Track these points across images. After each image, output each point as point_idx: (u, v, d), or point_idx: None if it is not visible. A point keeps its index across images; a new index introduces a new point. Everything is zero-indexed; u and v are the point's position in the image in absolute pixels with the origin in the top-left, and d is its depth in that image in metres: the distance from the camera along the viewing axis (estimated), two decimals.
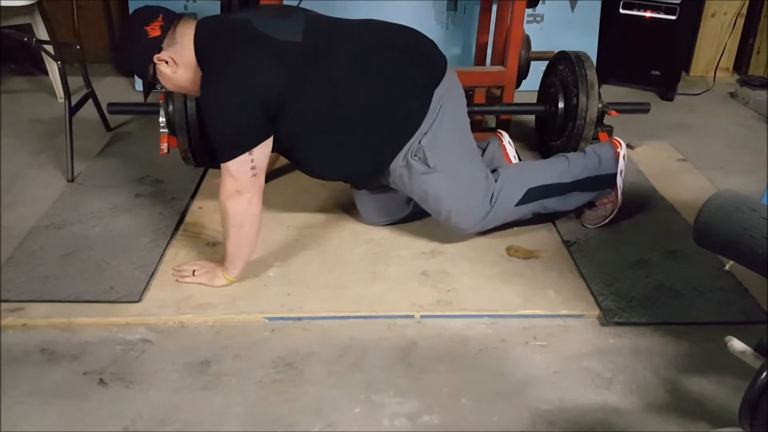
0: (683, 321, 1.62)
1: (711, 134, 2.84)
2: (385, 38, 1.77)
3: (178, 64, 1.62)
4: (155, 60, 1.60)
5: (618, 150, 1.93)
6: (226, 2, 2.53)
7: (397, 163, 1.79)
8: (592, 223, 1.99)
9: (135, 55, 1.65)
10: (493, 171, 1.91)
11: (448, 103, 1.77)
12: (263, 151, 1.61)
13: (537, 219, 1.96)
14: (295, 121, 1.65)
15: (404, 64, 1.74)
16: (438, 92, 1.75)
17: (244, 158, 1.57)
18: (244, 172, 1.58)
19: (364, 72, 1.70)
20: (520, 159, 2.09)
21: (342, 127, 1.71)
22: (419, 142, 1.76)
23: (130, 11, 3.22)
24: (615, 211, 1.96)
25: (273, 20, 1.66)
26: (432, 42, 1.85)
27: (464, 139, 1.85)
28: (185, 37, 1.60)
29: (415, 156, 1.77)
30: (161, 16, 1.60)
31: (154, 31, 1.59)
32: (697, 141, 2.73)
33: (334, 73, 1.67)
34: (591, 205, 1.99)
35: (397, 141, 1.76)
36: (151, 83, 1.69)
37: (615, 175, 1.92)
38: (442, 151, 1.77)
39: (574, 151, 2.18)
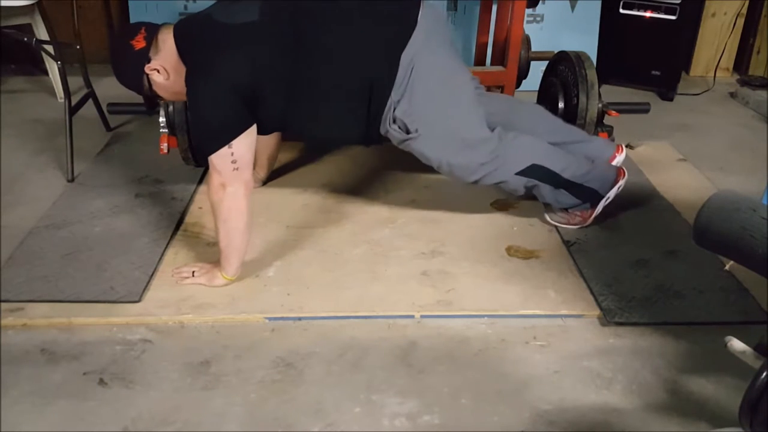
0: (683, 321, 1.62)
1: (711, 134, 2.84)
2: (346, 3, 1.74)
3: (168, 70, 1.65)
4: (147, 70, 1.64)
5: (619, 179, 1.93)
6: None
7: (385, 127, 1.79)
8: (556, 221, 2.01)
9: (126, 70, 1.69)
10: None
11: (422, 60, 1.72)
12: (245, 144, 1.62)
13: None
14: (274, 96, 1.67)
15: (366, 32, 1.72)
16: (407, 54, 1.71)
17: (224, 152, 1.59)
18: (226, 165, 1.60)
19: (324, 45, 1.69)
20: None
21: (317, 97, 1.73)
22: (393, 111, 1.75)
23: (130, 11, 3.23)
24: (578, 227, 1.98)
25: (230, 7, 1.69)
26: None
27: (448, 92, 1.79)
28: (167, 43, 1.65)
29: (394, 124, 1.78)
30: (143, 28, 1.66)
31: (138, 43, 1.64)
32: (697, 141, 2.73)
33: (294, 47, 1.67)
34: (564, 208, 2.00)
35: (367, 112, 1.76)
36: (150, 96, 1.73)
37: (602, 197, 1.93)
38: (421, 116, 1.76)
39: None
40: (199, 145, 1.65)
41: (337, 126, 1.82)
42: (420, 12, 1.75)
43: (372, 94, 1.73)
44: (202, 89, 1.61)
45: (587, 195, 1.93)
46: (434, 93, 1.76)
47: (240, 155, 1.60)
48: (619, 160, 2.01)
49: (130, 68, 1.66)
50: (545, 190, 1.93)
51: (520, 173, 1.87)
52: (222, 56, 1.62)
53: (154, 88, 1.68)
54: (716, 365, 1.47)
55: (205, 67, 1.61)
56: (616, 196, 1.94)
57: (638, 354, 1.53)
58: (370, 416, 1.35)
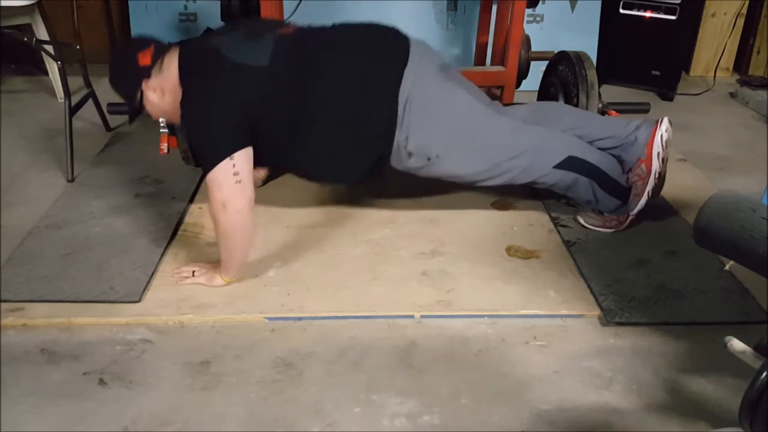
0: (683, 321, 1.62)
1: (711, 134, 2.84)
2: (346, 51, 1.77)
3: (165, 91, 1.68)
4: (144, 87, 1.67)
5: (639, 200, 1.90)
6: (226, 2, 2.54)
7: (401, 164, 1.82)
8: (590, 223, 1.98)
9: (124, 80, 1.72)
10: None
11: (416, 93, 1.74)
12: (245, 156, 1.61)
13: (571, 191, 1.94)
14: (273, 137, 1.68)
15: (364, 77, 1.74)
16: (402, 91, 1.73)
17: (225, 164, 1.57)
18: (228, 178, 1.57)
19: (324, 92, 1.71)
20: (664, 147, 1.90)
21: (319, 141, 1.75)
22: (405, 148, 1.77)
23: (130, 11, 3.23)
24: (613, 230, 1.97)
25: (242, 44, 1.71)
26: (390, 33, 1.83)
27: (449, 110, 1.80)
28: (171, 66, 1.68)
29: (411, 158, 1.79)
30: (153, 46, 1.69)
31: (145, 59, 1.67)
32: (697, 141, 2.73)
33: (299, 94, 1.70)
34: (599, 211, 1.98)
35: (375, 153, 1.79)
36: (137, 109, 1.75)
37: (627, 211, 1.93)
38: (435, 141, 1.78)
39: None
40: (202, 164, 1.63)
41: (340, 167, 1.83)
42: (410, 49, 1.79)
43: (375, 136, 1.76)
44: (206, 104, 1.63)
45: (625, 193, 1.91)
46: (438, 117, 1.78)
47: (241, 167, 1.59)
48: (659, 136, 1.87)
49: (129, 80, 1.70)
50: (584, 187, 1.89)
51: (558, 166, 1.85)
52: (229, 85, 1.64)
53: (145, 103, 1.71)
54: (716, 365, 1.47)
55: (209, 88, 1.63)
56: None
57: (638, 354, 1.53)
58: (370, 416, 1.35)
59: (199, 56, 1.70)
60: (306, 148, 1.76)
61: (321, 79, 1.71)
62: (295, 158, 1.80)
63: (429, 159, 1.80)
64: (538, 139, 1.85)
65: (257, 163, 1.66)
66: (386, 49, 1.80)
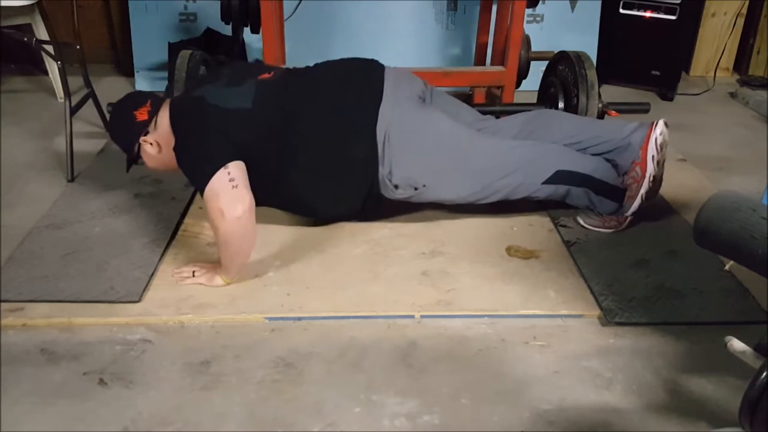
0: (683, 321, 1.62)
1: (711, 134, 2.84)
2: (324, 92, 1.80)
3: (161, 145, 1.75)
4: (141, 141, 1.76)
5: (633, 202, 1.90)
6: (226, 2, 2.54)
7: (389, 195, 1.84)
8: (590, 224, 1.98)
9: (123, 135, 1.81)
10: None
11: (395, 128, 1.76)
12: (240, 168, 1.63)
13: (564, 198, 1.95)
14: (261, 177, 1.69)
15: (343, 116, 1.77)
16: (380, 128, 1.75)
17: (220, 174, 1.59)
18: (224, 186, 1.58)
19: (308, 132, 1.75)
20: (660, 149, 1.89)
21: (306, 181, 1.79)
22: (391, 182, 1.79)
23: (130, 11, 3.23)
24: (613, 231, 1.97)
25: (225, 91, 1.78)
26: (366, 68, 1.87)
27: (431, 139, 1.80)
28: (164, 121, 1.75)
29: (398, 189, 1.82)
30: (149, 101, 1.78)
31: (142, 115, 1.76)
32: (697, 141, 2.73)
33: (283, 135, 1.74)
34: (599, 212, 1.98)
35: (362, 190, 1.82)
36: (134, 160, 1.83)
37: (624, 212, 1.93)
38: (420, 171, 1.80)
39: None
40: (194, 178, 1.68)
41: (334, 204, 1.87)
42: (384, 83, 1.81)
43: (359, 173, 1.79)
44: (194, 139, 1.68)
45: (621, 196, 1.91)
46: (418, 148, 1.79)
47: (237, 174, 1.60)
48: (654, 140, 1.87)
49: (128, 134, 1.78)
50: (578, 196, 1.91)
51: (548, 181, 1.87)
52: (214, 129, 1.69)
53: (143, 155, 1.79)
54: (716, 365, 1.47)
55: (197, 131, 1.70)
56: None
57: (638, 354, 1.53)
58: (370, 416, 1.35)
59: (186, 107, 1.78)
60: (294, 188, 1.79)
61: (301, 121, 1.75)
62: (285, 198, 1.84)
63: (416, 189, 1.82)
64: (525, 157, 1.86)
65: (257, 202, 1.67)
66: (361, 87, 1.82)
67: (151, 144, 1.76)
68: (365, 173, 1.79)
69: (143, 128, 1.75)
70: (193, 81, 2.11)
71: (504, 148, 1.88)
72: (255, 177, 1.66)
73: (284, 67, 1.94)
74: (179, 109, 1.76)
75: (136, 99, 1.82)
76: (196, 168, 1.65)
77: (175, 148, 1.70)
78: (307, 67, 1.91)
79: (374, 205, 1.90)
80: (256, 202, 1.63)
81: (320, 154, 1.77)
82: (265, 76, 1.83)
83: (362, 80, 1.83)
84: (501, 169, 1.84)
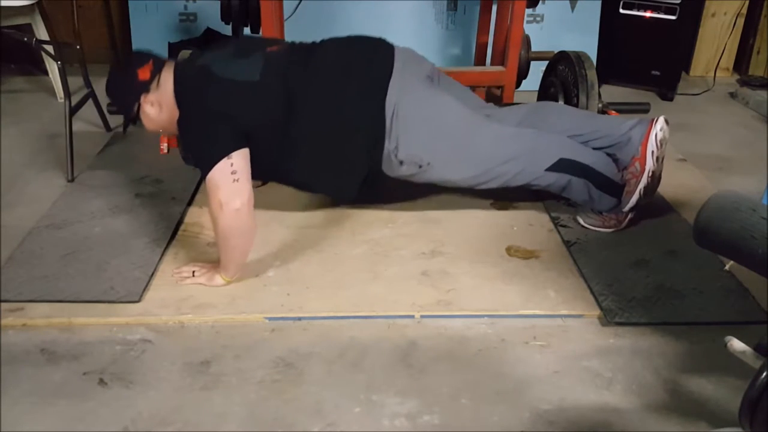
0: (683, 321, 1.62)
1: (711, 134, 2.84)
2: (333, 65, 1.79)
3: (162, 106, 1.73)
4: (141, 101, 1.73)
5: (631, 197, 1.90)
6: (226, 2, 2.54)
7: (393, 172, 1.83)
8: (589, 223, 1.98)
9: (123, 94, 1.78)
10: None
11: (403, 102, 1.76)
12: (243, 155, 1.63)
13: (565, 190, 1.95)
14: (266, 151, 1.70)
15: (350, 89, 1.76)
16: (389, 102, 1.75)
17: (223, 164, 1.59)
18: (225, 178, 1.59)
19: (312, 105, 1.74)
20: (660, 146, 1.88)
21: (310, 154, 1.78)
22: (396, 157, 1.79)
23: (130, 11, 3.23)
24: (613, 230, 1.97)
25: (232, 61, 1.76)
26: (375, 45, 1.86)
27: (438, 117, 1.81)
28: (167, 82, 1.73)
29: (402, 165, 1.81)
30: (151, 61, 1.74)
31: (144, 74, 1.72)
32: (697, 141, 2.73)
33: (289, 109, 1.73)
34: (598, 210, 1.98)
35: (366, 164, 1.81)
36: (132, 121, 1.79)
37: (621, 209, 1.93)
38: (425, 148, 1.80)
39: None
40: (198, 165, 1.68)
41: (335, 178, 1.85)
42: (395, 59, 1.81)
43: (364, 147, 1.79)
44: (202, 116, 1.67)
45: (620, 192, 1.91)
46: (425, 125, 1.79)
47: (239, 166, 1.61)
48: (654, 135, 1.86)
49: (127, 94, 1.75)
50: (579, 188, 1.90)
51: (551, 168, 1.86)
52: (221, 101, 1.68)
53: (142, 116, 1.76)
54: (716, 365, 1.47)
55: (202, 106, 1.68)
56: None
57: (638, 354, 1.53)
58: (370, 416, 1.35)
59: (191, 75, 1.75)
60: (298, 161, 1.79)
61: (309, 94, 1.74)
62: (288, 171, 1.83)
63: (420, 166, 1.82)
64: (529, 143, 1.87)
65: (253, 175, 1.67)
66: (371, 61, 1.82)
67: (151, 104, 1.73)
68: (370, 147, 1.78)
69: (145, 87, 1.72)
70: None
71: (509, 133, 1.88)
72: (256, 150, 1.66)
73: (289, 41, 1.91)
74: (185, 77, 1.74)
75: (139, 57, 1.78)
76: (200, 152, 1.66)
77: (179, 122, 1.70)
78: (314, 42, 1.88)
79: (374, 186, 1.89)
80: (256, 175, 1.65)
81: (326, 129, 1.75)
82: (273, 48, 1.81)
83: (372, 55, 1.83)
84: (505, 154, 1.84)
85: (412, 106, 1.77)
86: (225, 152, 1.60)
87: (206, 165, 1.61)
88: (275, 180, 1.90)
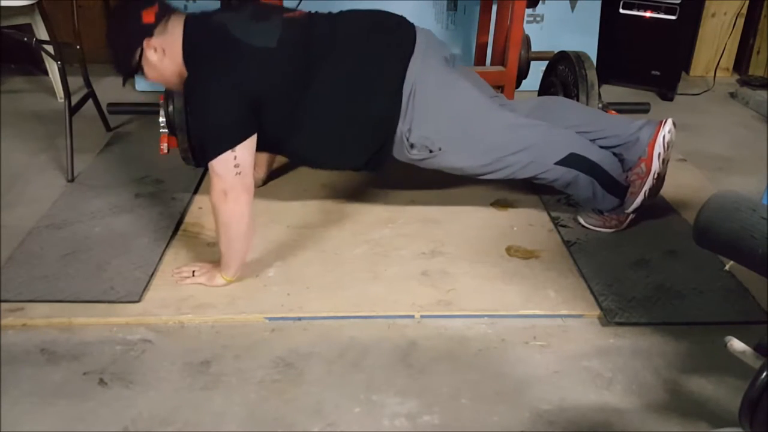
0: (683, 321, 1.62)
1: (711, 134, 2.84)
2: (353, 38, 1.75)
3: (165, 53, 1.64)
4: (144, 45, 1.61)
5: (635, 198, 1.90)
6: (226, 2, 2.54)
7: (403, 155, 1.81)
8: (590, 223, 1.98)
9: (124, 35, 1.65)
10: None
11: (420, 84, 1.74)
12: (247, 147, 1.62)
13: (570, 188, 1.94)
14: (274, 122, 1.68)
15: (369, 66, 1.73)
16: (407, 82, 1.72)
17: (227, 156, 1.58)
18: (228, 170, 1.59)
19: (330, 80, 1.71)
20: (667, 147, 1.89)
21: (319, 129, 1.75)
22: (408, 140, 1.77)
23: None
24: (613, 230, 1.97)
25: (250, 24, 1.69)
26: (397, 21, 1.82)
27: (453, 103, 1.79)
28: (175, 32, 1.64)
29: (413, 149, 1.79)
30: (157, 4, 1.63)
31: (148, 16, 1.60)
32: (697, 141, 2.73)
33: (304, 81, 1.70)
34: (599, 210, 1.98)
35: (376, 143, 1.79)
36: (134, 69, 1.68)
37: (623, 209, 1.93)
38: (438, 133, 1.78)
39: None
40: (201, 149, 1.64)
41: (339, 155, 1.84)
42: (416, 38, 1.78)
43: (378, 126, 1.76)
44: (212, 92, 1.61)
45: (624, 192, 1.91)
46: (441, 109, 1.77)
47: (242, 159, 1.60)
48: (662, 137, 1.87)
49: (129, 35, 1.63)
50: (584, 185, 1.89)
51: (560, 162, 1.85)
52: (235, 67, 1.62)
53: (143, 63, 1.65)
54: (716, 365, 1.47)
55: (216, 72, 1.61)
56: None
57: (638, 354, 1.53)
58: (370, 416, 1.35)
59: (205, 32, 1.66)
60: (307, 132, 1.75)
61: (326, 65, 1.70)
62: (296, 142, 1.79)
63: (431, 151, 1.79)
64: (540, 134, 1.86)
65: (259, 147, 1.66)
66: (392, 37, 1.79)
67: (155, 50, 1.62)
68: (384, 126, 1.76)
69: (149, 31, 1.60)
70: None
71: (523, 122, 1.87)
72: (266, 119, 1.64)
73: (307, 11, 1.83)
74: (198, 33, 1.64)
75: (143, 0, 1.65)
76: (206, 136, 1.63)
77: (186, 85, 1.64)
78: (331, 12, 1.82)
79: (376, 168, 1.87)
80: (264, 147, 1.63)
81: (341, 102, 1.72)
82: (292, 15, 1.76)
83: (393, 31, 1.80)
84: (517, 143, 1.83)
85: (430, 88, 1.74)
86: (230, 144, 1.58)
87: (211, 151, 1.59)
88: (281, 149, 1.84)
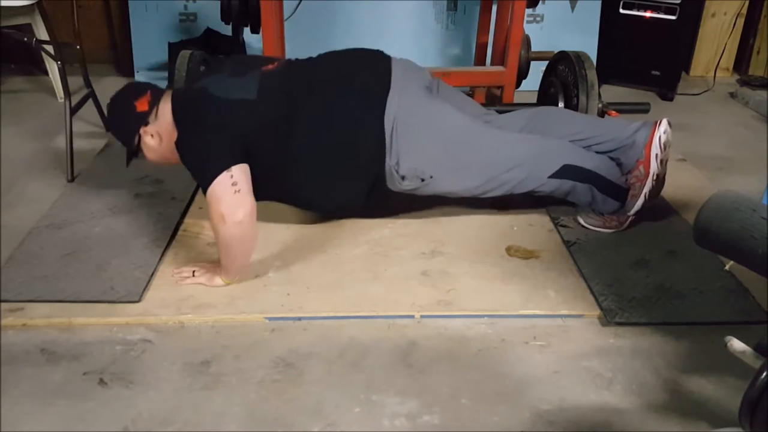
0: (683, 321, 1.62)
1: (711, 134, 2.84)
2: (330, 82, 1.78)
3: (162, 136, 1.73)
4: (141, 132, 1.73)
5: (636, 201, 1.89)
6: (226, 2, 2.54)
7: (395, 186, 1.83)
8: (590, 224, 1.98)
9: (122, 126, 1.78)
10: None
11: (404, 118, 1.75)
12: (243, 171, 1.62)
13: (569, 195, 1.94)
14: (266, 171, 1.69)
15: (350, 106, 1.75)
16: (387, 118, 1.74)
17: (223, 177, 1.58)
18: (226, 190, 1.58)
19: (313, 125, 1.73)
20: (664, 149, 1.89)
21: (309, 171, 1.76)
22: (397, 173, 1.78)
23: (130, 11, 3.23)
24: (614, 231, 1.97)
25: (228, 81, 1.76)
26: (372, 58, 1.85)
27: (438, 130, 1.80)
28: (165, 112, 1.73)
29: (405, 180, 1.80)
30: (149, 92, 1.74)
31: (142, 105, 1.72)
32: (697, 141, 2.73)
33: (287, 129, 1.72)
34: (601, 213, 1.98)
35: (367, 180, 1.80)
36: (134, 153, 1.79)
37: (625, 211, 1.93)
38: (427, 162, 1.79)
39: None
40: (198, 180, 1.68)
41: (338, 195, 1.84)
42: (392, 72, 1.79)
43: (366, 164, 1.78)
44: (198, 136, 1.67)
45: (624, 195, 1.91)
46: (426, 138, 1.78)
47: (239, 178, 1.60)
48: (658, 138, 1.87)
49: (127, 126, 1.75)
50: (583, 192, 1.90)
51: (554, 175, 1.86)
52: (218, 115, 1.68)
53: (143, 148, 1.76)
54: (716, 365, 1.47)
55: (200, 121, 1.68)
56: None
57: (638, 354, 1.53)
58: (370, 416, 1.35)
59: (188, 98, 1.75)
60: (298, 179, 1.77)
61: (307, 112, 1.73)
62: (287, 191, 1.82)
63: (423, 180, 1.81)
64: (532, 150, 1.86)
65: (258, 197, 1.66)
66: (368, 76, 1.80)
67: (152, 135, 1.72)
68: (372, 164, 1.77)
69: (144, 119, 1.72)
70: (193, 76, 2.08)
71: (511, 140, 1.88)
72: (256, 169, 1.65)
73: (286, 58, 1.91)
74: (182, 101, 1.74)
75: (136, 89, 1.79)
76: (200, 168, 1.65)
77: (177, 143, 1.69)
78: (310, 58, 1.88)
79: (378, 200, 1.88)
80: (257, 196, 1.63)
81: (325, 146, 1.74)
82: (269, 67, 1.81)
83: (369, 70, 1.82)
84: (508, 162, 1.84)
85: (411, 119, 1.76)
86: (224, 166, 1.59)
87: (206, 179, 1.59)
88: (277, 198, 1.86)
